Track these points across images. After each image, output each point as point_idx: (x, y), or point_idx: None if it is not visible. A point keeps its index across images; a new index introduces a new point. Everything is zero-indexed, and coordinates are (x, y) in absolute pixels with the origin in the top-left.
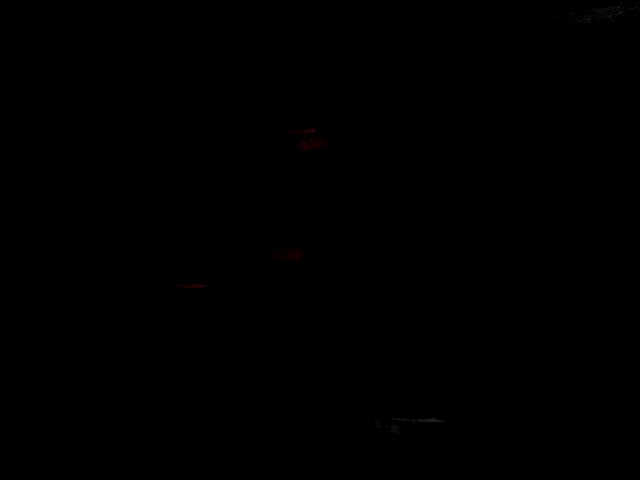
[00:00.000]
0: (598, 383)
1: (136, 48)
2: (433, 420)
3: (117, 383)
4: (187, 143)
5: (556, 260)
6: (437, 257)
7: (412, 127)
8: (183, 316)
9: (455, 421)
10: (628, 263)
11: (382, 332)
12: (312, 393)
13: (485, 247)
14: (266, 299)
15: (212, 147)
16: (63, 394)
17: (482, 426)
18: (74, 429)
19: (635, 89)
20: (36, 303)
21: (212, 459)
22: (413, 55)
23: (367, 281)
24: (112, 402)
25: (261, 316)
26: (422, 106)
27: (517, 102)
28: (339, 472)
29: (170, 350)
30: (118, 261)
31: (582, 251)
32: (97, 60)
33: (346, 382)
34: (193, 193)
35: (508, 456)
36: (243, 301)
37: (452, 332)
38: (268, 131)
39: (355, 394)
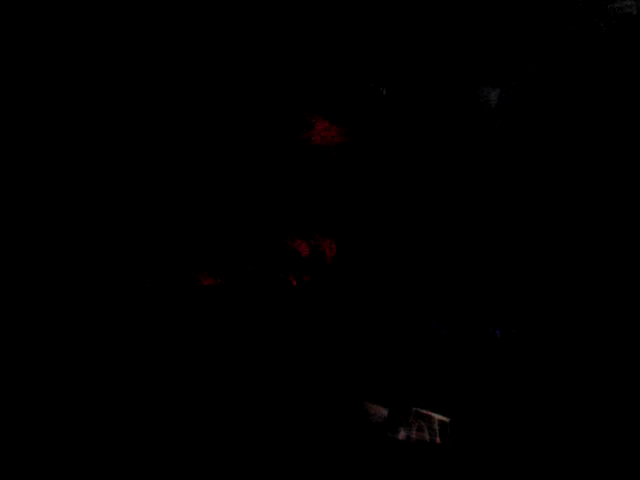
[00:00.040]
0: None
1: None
2: (439, 417)
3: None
4: (202, 140)
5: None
6: (448, 259)
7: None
8: (195, 306)
9: (460, 418)
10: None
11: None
12: (317, 384)
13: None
14: (280, 290)
15: (226, 143)
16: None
17: (486, 423)
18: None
19: None
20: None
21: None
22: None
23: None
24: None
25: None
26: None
27: None
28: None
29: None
30: (131, 254)
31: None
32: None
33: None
34: (208, 187)
35: (511, 453)
36: (256, 292)
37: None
38: (283, 124)
39: (359, 385)
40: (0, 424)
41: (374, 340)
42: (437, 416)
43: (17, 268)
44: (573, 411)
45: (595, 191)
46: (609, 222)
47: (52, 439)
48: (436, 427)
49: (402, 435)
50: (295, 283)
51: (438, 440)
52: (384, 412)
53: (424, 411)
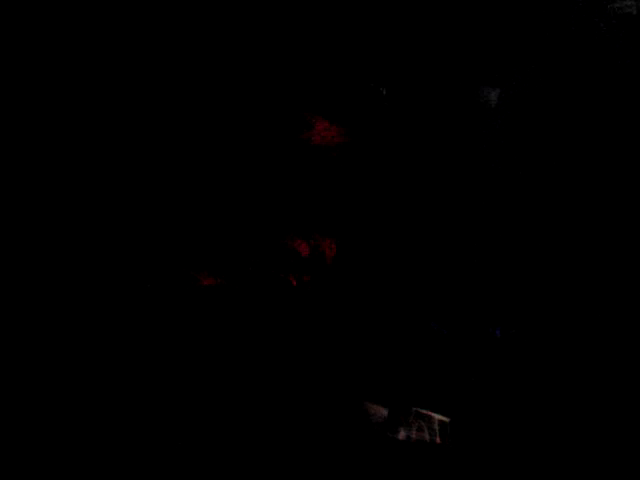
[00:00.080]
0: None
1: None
2: (439, 417)
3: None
4: (202, 139)
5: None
6: (450, 260)
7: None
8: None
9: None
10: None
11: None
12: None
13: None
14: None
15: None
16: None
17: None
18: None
19: None
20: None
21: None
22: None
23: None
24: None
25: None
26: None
27: None
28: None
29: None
30: (129, 254)
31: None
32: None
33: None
34: (207, 186)
35: (510, 453)
36: (255, 291)
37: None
38: (283, 124)
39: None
40: (0, 424)
41: (374, 340)
42: (437, 416)
43: (16, 268)
44: (572, 411)
45: (595, 191)
46: (609, 222)
47: (52, 439)
48: (436, 427)
49: (402, 435)
50: (295, 283)
51: (438, 440)
52: (384, 412)
53: (424, 411)
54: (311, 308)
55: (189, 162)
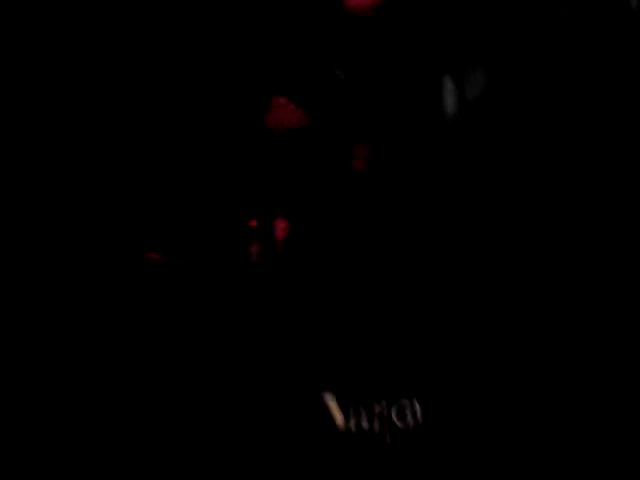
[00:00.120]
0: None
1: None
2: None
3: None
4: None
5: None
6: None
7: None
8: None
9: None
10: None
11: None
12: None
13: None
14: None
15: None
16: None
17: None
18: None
19: None
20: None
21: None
22: None
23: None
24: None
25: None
26: None
27: None
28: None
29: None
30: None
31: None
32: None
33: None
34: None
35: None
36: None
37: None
38: (241, 105)
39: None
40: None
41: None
42: (419, 407)
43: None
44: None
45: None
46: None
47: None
48: (420, 417)
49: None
50: (244, 264)
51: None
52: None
53: (410, 403)
54: (263, 293)
55: (140, 140)
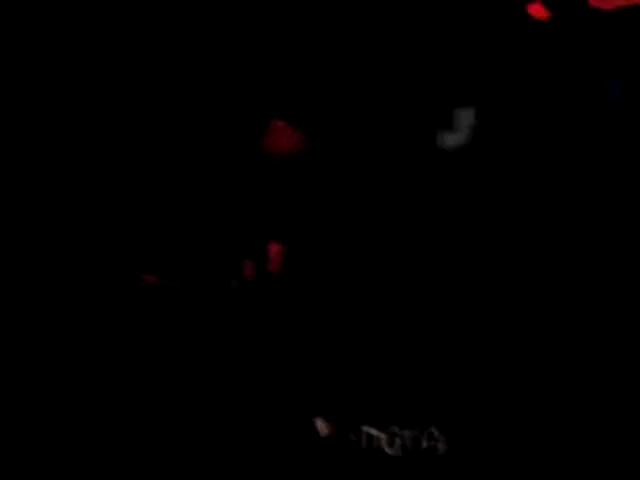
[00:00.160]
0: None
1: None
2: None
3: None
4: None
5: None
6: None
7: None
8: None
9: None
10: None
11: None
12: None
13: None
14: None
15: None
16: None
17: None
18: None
19: None
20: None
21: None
22: None
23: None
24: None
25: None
26: None
27: None
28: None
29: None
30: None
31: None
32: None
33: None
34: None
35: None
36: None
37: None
38: (239, 128)
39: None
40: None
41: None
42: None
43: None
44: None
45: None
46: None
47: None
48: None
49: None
50: (237, 286)
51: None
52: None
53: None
54: (256, 313)
55: (135, 160)
